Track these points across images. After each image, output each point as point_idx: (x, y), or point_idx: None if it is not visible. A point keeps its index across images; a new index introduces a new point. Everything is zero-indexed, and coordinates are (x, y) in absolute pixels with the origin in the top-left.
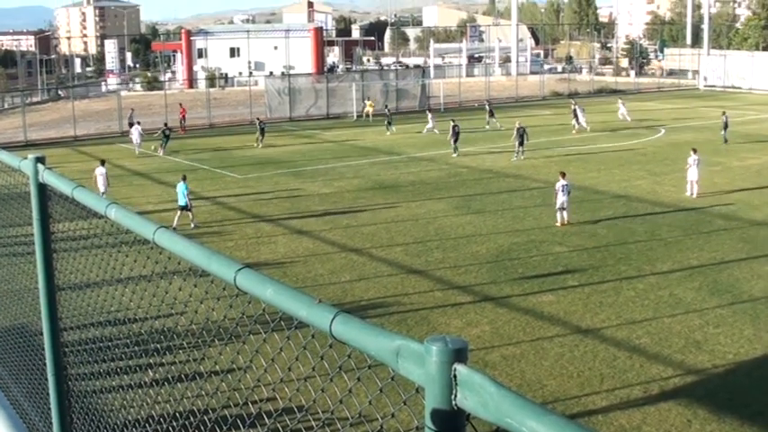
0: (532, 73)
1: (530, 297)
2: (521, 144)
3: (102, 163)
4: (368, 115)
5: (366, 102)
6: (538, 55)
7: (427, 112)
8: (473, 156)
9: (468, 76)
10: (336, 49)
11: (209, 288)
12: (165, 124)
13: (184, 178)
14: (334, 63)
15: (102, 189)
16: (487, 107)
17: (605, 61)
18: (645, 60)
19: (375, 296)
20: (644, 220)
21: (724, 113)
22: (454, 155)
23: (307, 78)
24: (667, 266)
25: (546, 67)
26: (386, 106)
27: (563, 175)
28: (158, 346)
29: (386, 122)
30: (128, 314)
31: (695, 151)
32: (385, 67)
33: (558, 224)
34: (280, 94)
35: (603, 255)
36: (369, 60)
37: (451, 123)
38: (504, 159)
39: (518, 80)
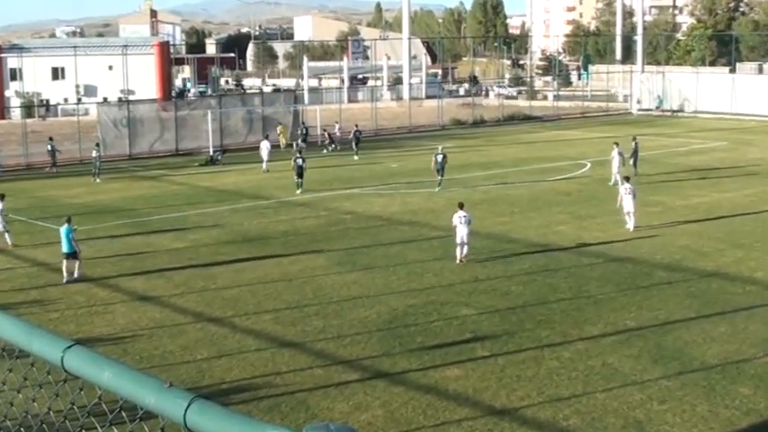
0: (429, 97)
1: (431, 372)
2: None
3: None
4: (280, 145)
5: (278, 128)
6: (435, 75)
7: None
8: (358, 198)
9: (350, 101)
10: (187, 69)
11: (29, 373)
12: None
13: (69, 220)
14: (184, 86)
15: None
16: (352, 134)
17: (517, 82)
18: (564, 80)
19: (240, 377)
20: (568, 274)
21: (634, 139)
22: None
23: (150, 106)
24: (598, 329)
25: (446, 89)
26: (302, 125)
27: (461, 206)
28: None
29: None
30: None
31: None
32: (248, 91)
33: (457, 261)
34: (116, 125)
35: (520, 317)
36: (228, 82)
37: (354, 128)
38: (397, 202)
39: (411, 106)
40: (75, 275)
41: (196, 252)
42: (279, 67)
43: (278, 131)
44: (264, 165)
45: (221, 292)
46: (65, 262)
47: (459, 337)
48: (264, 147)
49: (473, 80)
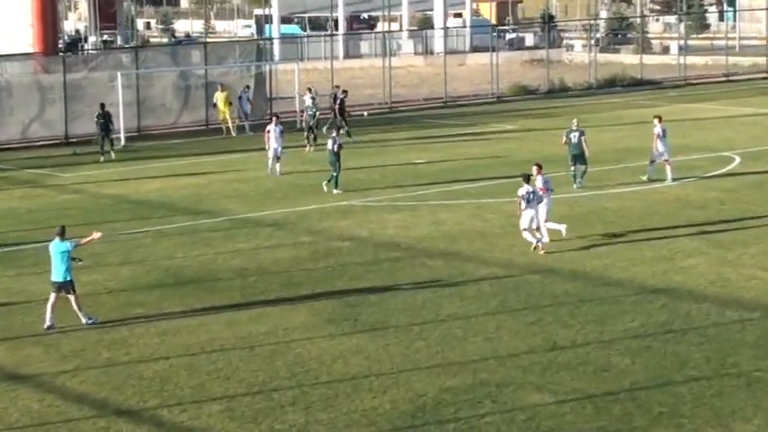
0: (476, 50)
1: None
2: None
3: None
4: (227, 126)
5: (216, 96)
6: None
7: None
8: (360, 213)
9: (350, 56)
10: (83, 6)
11: None
12: None
13: (62, 232)
14: (79, 34)
15: None
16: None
17: (620, 25)
18: (697, 23)
19: None
20: (703, 338)
21: None
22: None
23: (23, 65)
24: (755, 427)
25: (504, 36)
26: (336, 89)
27: (534, 171)
28: None
29: (307, 131)
30: None
31: (660, 120)
32: (185, 41)
33: (535, 249)
34: None
35: (626, 408)
36: (150, 27)
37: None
38: (424, 220)
39: (448, 63)
40: (84, 319)
41: (96, 303)
42: (232, 2)
43: (215, 100)
44: (271, 162)
45: (139, 369)
46: (52, 296)
47: None
48: (272, 132)
49: (548, 22)
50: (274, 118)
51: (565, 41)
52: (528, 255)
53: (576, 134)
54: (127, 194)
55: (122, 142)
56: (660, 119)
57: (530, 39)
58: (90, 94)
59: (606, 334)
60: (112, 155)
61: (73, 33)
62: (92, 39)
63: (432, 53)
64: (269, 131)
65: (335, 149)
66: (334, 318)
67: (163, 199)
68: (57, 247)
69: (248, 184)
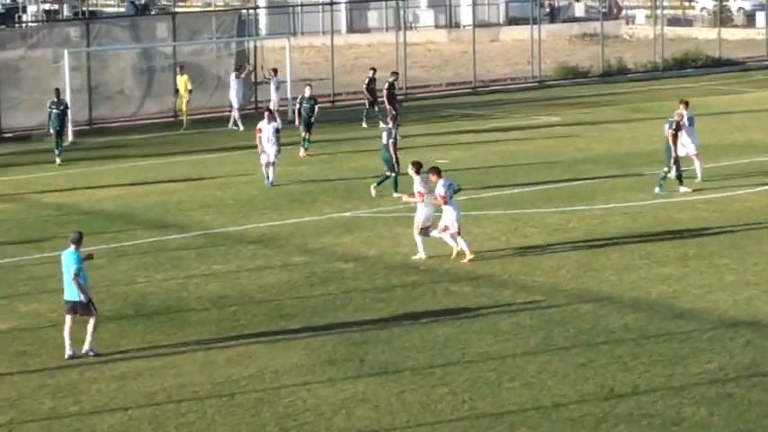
0: (513, 22)
1: None
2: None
3: None
4: (182, 116)
5: (179, 80)
6: None
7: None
8: (367, 226)
9: (354, 30)
10: None
11: None
12: None
13: (79, 240)
14: (15, 1)
15: None
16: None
17: None
18: None
19: None
20: None
21: None
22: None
23: None
24: None
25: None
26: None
27: (411, 171)
28: None
29: (302, 130)
30: None
31: (687, 105)
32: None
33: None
34: None
35: None
36: None
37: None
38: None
39: (478, 39)
40: (89, 346)
41: (36, 339)
42: None
43: (178, 85)
44: (267, 172)
45: (91, 422)
46: (68, 319)
47: None
48: (266, 131)
49: None
50: (267, 113)
51: (624, 11)
52: (579, 279)
53: (666, 125)
54: (76, 204)
55: (70, 138)
56: (687, 104)
57: (580, 8)
58: (29, 78)
59: (676, 378)
60: (57, 160)
61: (7, 1)
62: (31, 8)
63: (457, 26)
64: (260, 130)
65: (391, 143)
66: (336, 358)
67: (121, 209)
68: (69, 259)
69: (227, 190)
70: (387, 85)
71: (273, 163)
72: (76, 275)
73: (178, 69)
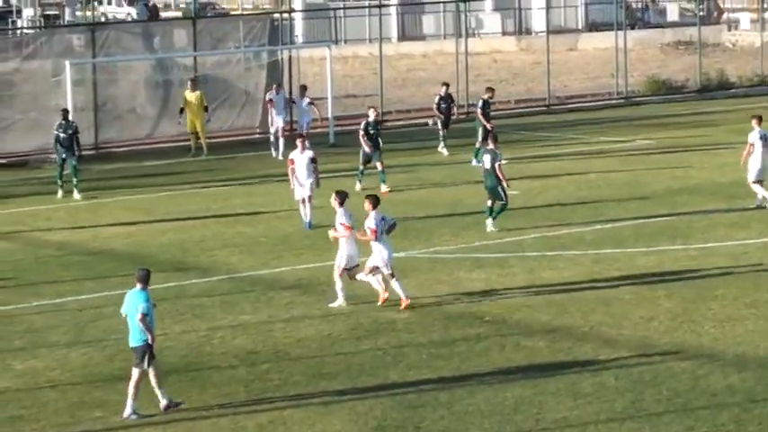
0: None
1: None
2: None
3: None
4: (199, 148)
5: (187, 94)
6: None
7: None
8: (425, 268)
9: (407, 37)
10: None
11: None
12: None
13: (146, 278)
14: (10, 6)
15: None
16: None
17: None
18: None
19: None
20: None
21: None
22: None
23: None
24: None
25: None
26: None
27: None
28: None
29: (361, 163)
30: None
31: (760, 121)
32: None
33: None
34: None
35: None
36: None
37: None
38: (519, 278)
39: (553, 48)
40: (162, 399)
41: (36, 402)
42: None
43: (186, 99)
44: (305, 210)
45: None
46: (136, 372)
47: None
48: (300, 162)
49: None
50: (299, 141)
51: (726, 15)
52: (674, 332)
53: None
54: (80, 242)
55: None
56: (760, 120)
57: (673, 11)
58: (24, 94)
59: None
60: (60, 192)
61: (2, 3)
62: (27, 12)
63: (528, 32)
64: (292, 161)
65: (498, 167)
66: (386, 425)
67: (132, 249)
68: (135, 300)
69: (257, 226)
70: (480, 102)
71: (311, 197)
72: (144, 315)
73: (189, 83)
